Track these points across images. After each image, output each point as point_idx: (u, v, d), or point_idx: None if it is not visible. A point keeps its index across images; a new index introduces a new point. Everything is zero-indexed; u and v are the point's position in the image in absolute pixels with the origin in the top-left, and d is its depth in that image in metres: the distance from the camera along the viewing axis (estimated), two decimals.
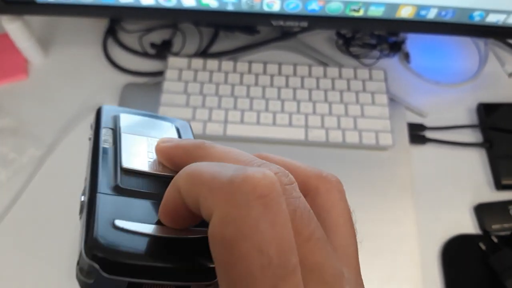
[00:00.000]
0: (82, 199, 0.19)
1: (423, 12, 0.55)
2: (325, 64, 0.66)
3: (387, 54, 0.68)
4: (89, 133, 0.23)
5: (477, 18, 0.55)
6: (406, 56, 0.67)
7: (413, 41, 0.69)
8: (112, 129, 0.23)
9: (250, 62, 0.64)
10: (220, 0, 0.55)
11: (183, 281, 0.17)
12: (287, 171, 0.17)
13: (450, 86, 0.66)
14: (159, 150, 0.21)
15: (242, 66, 0.63)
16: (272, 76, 0.62)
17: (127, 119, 0.24)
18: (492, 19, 0.55)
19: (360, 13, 0.55)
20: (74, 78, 0.65)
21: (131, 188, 0.20)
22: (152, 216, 0.19)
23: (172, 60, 0.63)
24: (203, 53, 0.68)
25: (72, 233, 0.52)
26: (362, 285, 0.18)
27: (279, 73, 0.63)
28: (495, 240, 0.52)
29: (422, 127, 0.61)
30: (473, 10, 0.54)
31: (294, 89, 0.61)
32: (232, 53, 0.68)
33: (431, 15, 0.55)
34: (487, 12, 0.54)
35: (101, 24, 0.70)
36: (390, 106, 0.60)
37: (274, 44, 0.69)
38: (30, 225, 0.53)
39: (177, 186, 0.17)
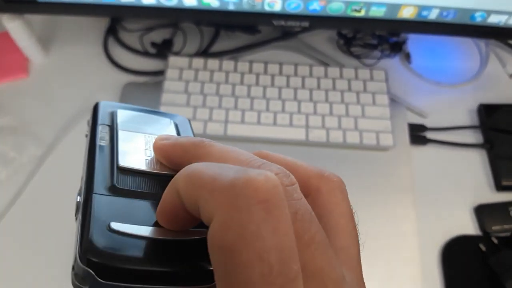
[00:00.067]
0: (78, 199, 0.19)
1: (424, 13, 0.55)
2: (326, 64, 0.66)
3: (388, 55, 0.68)
4: (86, 130, 0.22)
5: (478, 19, 0.55)
6: (407, 57, 0.67)
7: (414, 42, 0.69)
8: (109, 125, 0.22)
9: (251, 62, 0.63)
10: (221, 0, 0.55)
11: (182, 285, 0.17)
12: (288, 172, 0.17)
13: (451, 87, 0.66)
14: (157, 148, 0.21)
15: (243, 65, 0.63)
16: (273, 76, 0.62)
17: (124, 115, 0.23)
18: (493, 20, 0.55)
19: (362, 13, 0.55)
20: (75, 77, 0.65)
21: (127, 188, 0.19)
22: (150, 217, 0.18)
23: (172, 60, 0.63)
24: (204, 53, 0.68)
25: (72, 233, 0.52)
26: (363, 287, 0.18)
27: (280, 73, 0.63)
28: (495, 241, 0.52)
29: (422, 127, 0.61)
30: (475, 10, 0.54)
31: (295, 89, 0.61)
32: (233, 53, 0.68)
33: (433, 15, 0.55)
34: (489, 13, 0.54)
35: (101, 23, 0.70)
36: (391, 107, 0.60)
37: (275, 44, 0.68)
38: (30, 224, 0.53)
39: (176, 188, 0.17)
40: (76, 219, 0.18)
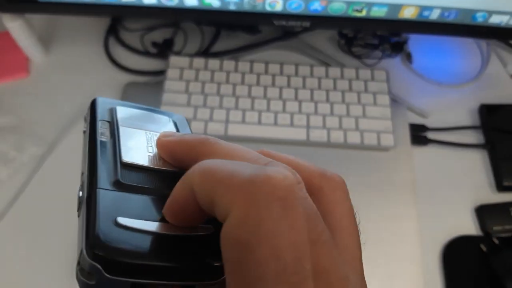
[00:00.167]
0: (80, 194, 0.18)
1: (426, 13, 0.55)
2: (327, 64, 0.66)
3: (389, 55, 0.68)
4: (83, 126, 0.22)
5: (480, 19, 0.55)
6: (408, 57, 0.67)
7: (415, 42, 0.68)
8: (108, 121, 0.22)
9: (251, 62, 0.63)
10: (222, 0, 0.55)
11: (189, 281, 0.17)
12: (294, 170, 0.17)
13: (452, 87, 0.66)
14: (161, 144, 0.21)
15: (243, 65, 0.63)
16: (273, 76, 0.62)
17: (124, 112, 0.23)
18: (495, 20, 0.55)
19: (363, 14, 0.55)
20: (75, 77, 0.65)
21: (131, 183, 0.19)
22: (153, 213, 0.18)
23: (173, 59, 0.63)
24: (205, 53, 0.68)
25: (73, 232, 0.52)
26: (365, 287, 0.18)
27: (281, 73, 0.63)
28: (496, 241, 0.52)
29: (424, 128, 0.61)
30: (476, 11, 0.54)
31: (296, 89, 0.61)
32: (233, 53, 0.68)
33: (434, 15, 0.55)
34: (490, 13, 0.54)
35: (102, 23, 0.70)
36: (392, 107, 0.60)
37: (276, 43, 0.68)
38: (30, 223, 0.53)
39: (190, 183, 0.16)
40: (78, 214, 0.18)
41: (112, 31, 0.69)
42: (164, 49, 0.67)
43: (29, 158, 0.57)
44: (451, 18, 0.55)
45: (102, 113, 0.22)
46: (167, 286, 0.17)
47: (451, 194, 0.57)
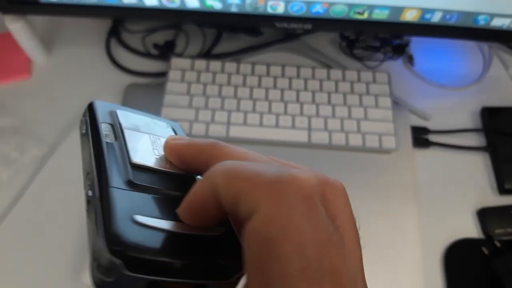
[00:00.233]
0: (90, 194, 0.19)
1: (427, 16, 0.55)
2: (328, 67, 0.66)
3: (391, 57, 0.68)
4: (81, 128, 0.23)
5: (481, 22, 0.55)
6: (410, 59, 0.67)
7: (417, 44, 0.68)
8: (111, 124, 0.22)
9: (253, 64, 0.63)
10: (224, 2, 0.55)
11: (204, 279, 0.17)
12: (316, 171, 0.17)
13: (454, 90, 0.66)
14: (169, 147, 0.21)
15: (245, 67, 0.63)
16: (275, 78, 0.62)
17: (124, 116, 0.23)
18: (497, 23, 0.55)
19: (365, 16, 0.55)
20: (77, 78, 0.65)
21: (143, 183, 0.19)
22: (165, 212, 0.19)
23: (175, 61, 0.63)
24: (206, 54, 0.68)
25: (74, 233, 0.52)
26: None
27: (283, 75, 0.63)
28: (498, 244, 0.52)
29: (425, 130, 0.61)
30: (478, 14, 0.54)
31: (297, 91, 0.61)
32: (235, 55, 0.68)
33: (436, 18, 0.55)
34: (492, 16, 0.54)
35: (104, 25, 0.70)
36: (394, 109, 0.60)
37: (277, 46, 0.68)
38: (31, 224, 0.53)
39: (212, 183, 0.17)
40: (88, 213, 0.18)
41: (114, 33, 0.69)
42: (165, 51, 0.67)
43: (31, 159, 0.57)
44: (452, 21, 0.55)
45: (103, 115, 0.23)
46: (181, 286, 0.17)
47: (452, 196, 0.57)
